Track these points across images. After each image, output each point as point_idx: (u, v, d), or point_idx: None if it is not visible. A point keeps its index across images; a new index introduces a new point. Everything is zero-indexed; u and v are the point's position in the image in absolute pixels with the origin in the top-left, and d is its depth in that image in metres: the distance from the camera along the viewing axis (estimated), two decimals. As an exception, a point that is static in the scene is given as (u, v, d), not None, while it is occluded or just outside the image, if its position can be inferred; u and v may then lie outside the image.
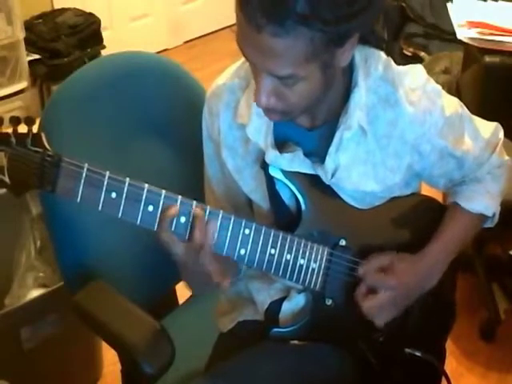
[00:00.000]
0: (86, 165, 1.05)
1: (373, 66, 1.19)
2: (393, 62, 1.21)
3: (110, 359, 2.11)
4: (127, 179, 1.07)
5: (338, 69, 1.10)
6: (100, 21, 3.50)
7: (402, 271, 1.23)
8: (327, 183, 1.21)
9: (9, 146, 1.02)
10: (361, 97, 1.17)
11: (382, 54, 1.20)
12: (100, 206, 1.07)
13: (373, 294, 1.22)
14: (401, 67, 1.22)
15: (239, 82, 1.23)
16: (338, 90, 1.17)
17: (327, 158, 1.19)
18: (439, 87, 1.25)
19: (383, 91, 1.19)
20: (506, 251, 2.49)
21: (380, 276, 1.22)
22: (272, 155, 1.18)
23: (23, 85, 3.19)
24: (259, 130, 1.18)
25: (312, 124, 1.22)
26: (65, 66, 3.21)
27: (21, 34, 3.10)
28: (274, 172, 1.19)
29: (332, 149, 1.19)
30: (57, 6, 3.62)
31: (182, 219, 1.11)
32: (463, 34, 2.45)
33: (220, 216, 1.13)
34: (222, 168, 1.30)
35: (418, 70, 1.24)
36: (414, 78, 1.22)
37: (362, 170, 1.22)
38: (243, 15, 0.98)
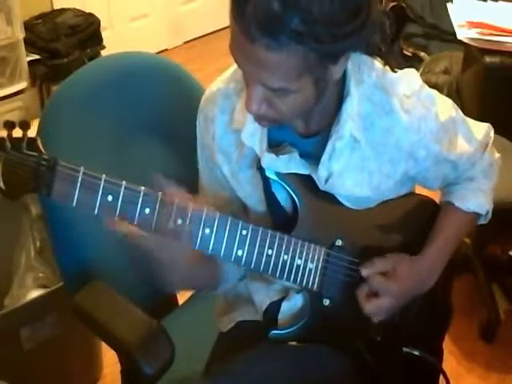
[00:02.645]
0: (82, 168, 1.05)
1: (366, 73, 1.18)
2: (388, 69, 1.20)
3: (109, 359, 2.11)
4: (123, 182, 1.07)
5: (331, 81, 1.09)
6: (100, 21, 3.50)
7: (403, 277, 1.23)
8: (321, 189, 1.22)
9: (4, 151, 1.02)
10: (353, 106, 1.16)
11: (376, 62, 1.20)
12: (96, 209, 1.07)
13: (375, 297, 1.22)
14: (394, 74, 1.21)
15: (235, 87, 1.22)
16: (331, 99, 1.16)
17: (320, 166, 1.19)
18: (433, 92, 1.25)
19: (377, 99, 1.19)
20: (506, 252, 2.50)
21: (383, 281, 1.22)
22: (268, 159, 1.18)
23: (23, 85, 3.19)
24: (254, 134, 1.18)
25: (306, 131, 1.21)
26: (64, 67, 3.22)
27: (20, 35, 3.10)
28: (270, 173, 1.19)
29: (324, 158, 1.19)
30: (56, 7, 3.62)
31: (179, 221, 1.10)
32: (463, 34, 2.45)
33: (217, 217, 1.13)
34: (215, 174, 1.29)
35: (411, 76, 1.23)
36: (408, 84, 1.22)
37: (356, 178, 1.22)
38: (237, 25, 0.97)
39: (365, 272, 1.22)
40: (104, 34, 3.55)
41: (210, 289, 1.35)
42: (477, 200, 1.32)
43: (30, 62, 3.21)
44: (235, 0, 0.97)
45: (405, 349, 1.31)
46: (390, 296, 1.23)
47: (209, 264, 1.24)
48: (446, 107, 1.26)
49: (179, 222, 1.11)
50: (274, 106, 1.08)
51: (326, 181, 1.21)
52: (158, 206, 1.09)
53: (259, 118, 1.12)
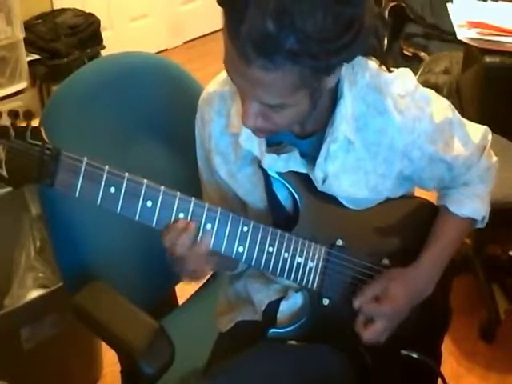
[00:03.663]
0: (85, 158, 1.05)
1: (359, 74, 1.18)
2: (383, 69, 1.19)
3: (109, 359, 2.11)
4: (126, 174, 1.07)
5: (325, 90, 1.09)
6: (100, 21, 3.51)
7: (396, 295, 1.24)
8: (319, 189, 1.22)
9: (7, 139, 1.01)
10: (347, 108, 1.16)
11: (370, 62, 1.19)
12: (99, 200, 1.07)
13: (371, 324, 1.23)
14: (389, 74, 1.20)
15: (229, 89, 1.22)
16: (325, 103, 1.16)
17: (316, 168, 1.20)
18: (429, 93, 1.25)
19: (371, 99, 1.19)
20: (506, 251, 2.50)
21: (374, 306, 1.23)
22: (269, 159, 1.18)
23: (23, 85, 3.19)
24: (252, 138, 1.18)
25: (301, 132, 1.22)
26: (64, 66, 3.22)
27: (20, 35, 3.11)
28: (271, 171, 1.19)
29: (320, 159, 1.19)
30: (56, 7, 3.62)
31: (181, 215, 1.11)
32: (463, 34, 2.45)
33: (218, 213, 1.13)
34: (213, 174, 1.30)
35: (406, 76, 1.23)
36: (403, 84, 1.21)
37: (352, 178, 1.22)
38: (232, 46, 0.96)
39: (356, 304, 1.23)
40: (104, 34, 3.55)
41: (231, 269, 1.39)
42: (472, 205, 1.31)
43: (30, 62, 3.22)
44: (229, 21, 0.96)
45: (403, 351, 1.31)
46: (385, 318, 1.23)
47: None
48: (442, 108, 1.26)
49: (181, 216, 1.11)
50: (270, 119, 1.08)
51: (323, 182, 1.22)
52: (160, 200, 1.09)
53: (256, 131, 1.12)
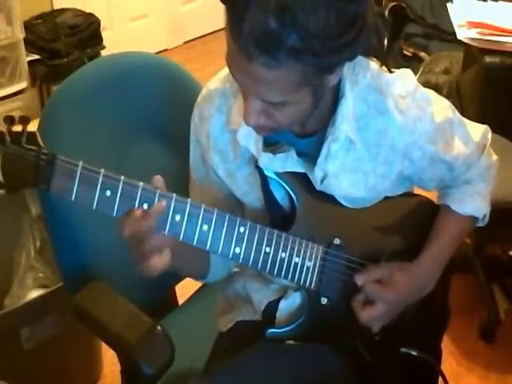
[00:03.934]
0: (81, 163, 1.05)
1: (360, 74, 1.18)
2: (384, 69, 1.19)
3: (109, 359, 2.11)
4: (122, 177, 1.07)
5: (327, 89, 1.09)
6: (100, 21, 3.51)
7: (399, 283, 1.23)
8: (317, 189, 1.22)
9: (3, 145, 1.02)
10: (348, 108, 1.16)
11: (372, 62, 1.20)
12: (94, 204, 1.06)
13: (370, 305, 1.22)
14: (390, 75, 1.20)
15: (231, 87, 1.22)
16: (326, 102, 1.16)
17: (316, 167, 1.20)
18: (429, 93, 1.25)
19: (372, 99, 1.19)
20: (506, 251, 2.50)
21: (378, 288, 1.22)
22: (265, 158, 1.18)
23: (23, 85, 3.19)
24: (249, 135, 1.18)
25: (302, 132, 1.22)
26: (64, 67, 3.22)
27: (20, 35, 3.11)
28: (268, 172, 1.19)
29: (321, 159, 1.19)
30: (56, 7, 3.63)
31: (177, 217, 1.10)
32: (463, 34, 2.45)
33: (215, 214, 1.13)
34: (208, 173, 1.30)
35: (407, 76, 1.23)
36: (404, 85, 1.21)
37: (351, 179, 1.22)
38: (235, 44, 0.97)
39: (360, 280, 1.22)
40: (104, 34, 3.55)
41: (198, 277, 1.36)
42: (474, 203, 1.31)
43: (30, 62, 3.22)
44: (231, 18, 0.96)
45: (402, 349, 1.31)
46: (386, 303, 1.23)
47: (199, 255, 1.25)
48: (442, 108, 1.26)
49: (177, 218, 1.11)
50: (272, 117, 1.08)
51: (322, 181, 1.22)
52: (156, 202, 1.09)
53: (258, 129, 1.12)
